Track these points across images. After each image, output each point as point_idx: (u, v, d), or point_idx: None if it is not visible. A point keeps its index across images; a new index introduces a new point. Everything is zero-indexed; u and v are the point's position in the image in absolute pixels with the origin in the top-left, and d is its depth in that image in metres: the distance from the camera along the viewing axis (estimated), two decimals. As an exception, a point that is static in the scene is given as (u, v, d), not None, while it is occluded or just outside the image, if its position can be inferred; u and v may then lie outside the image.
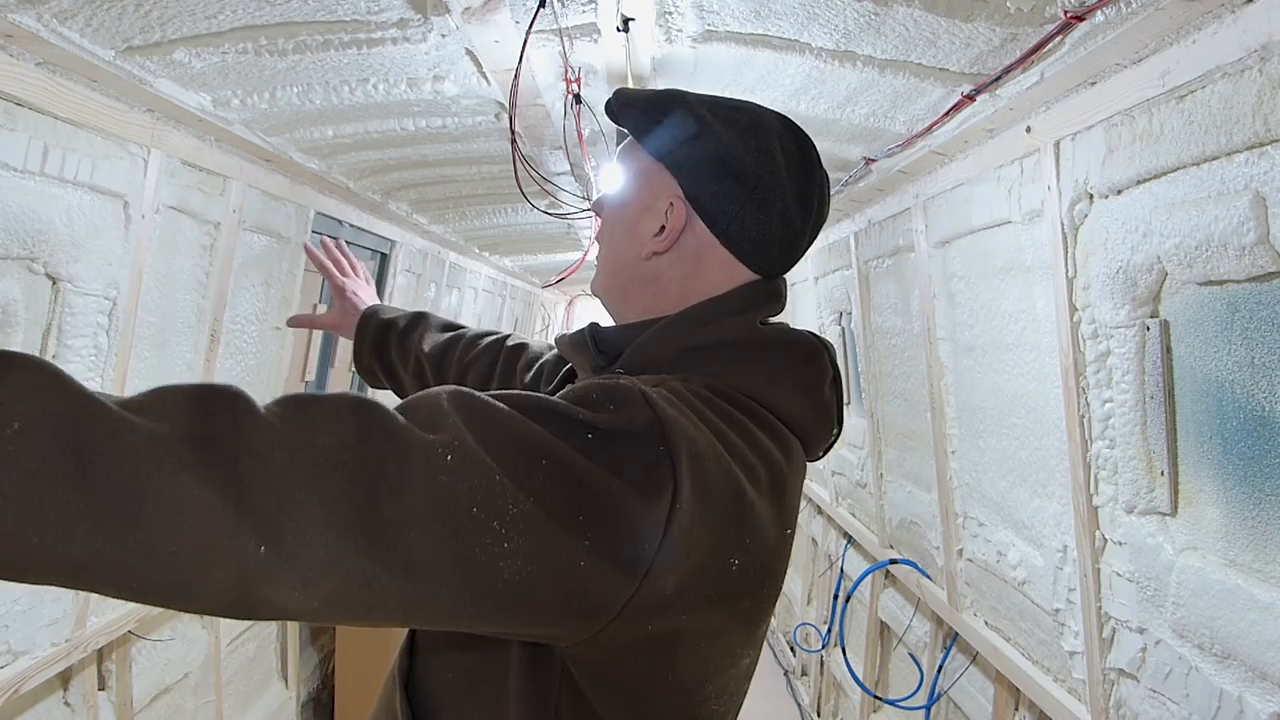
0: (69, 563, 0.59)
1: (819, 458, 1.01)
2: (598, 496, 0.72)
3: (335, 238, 1.71)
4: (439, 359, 1.49)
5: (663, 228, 0.96)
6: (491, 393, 0.78)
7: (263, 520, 0.62)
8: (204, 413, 0.65)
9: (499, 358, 1.44)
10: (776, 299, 0.99)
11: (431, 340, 1.52)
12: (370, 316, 1.59)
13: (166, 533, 0.60)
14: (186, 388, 0.67)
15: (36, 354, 0.83)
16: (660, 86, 2.09)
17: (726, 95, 1.03)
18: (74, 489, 0.58)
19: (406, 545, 0.67)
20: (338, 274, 1.67)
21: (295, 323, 1.74)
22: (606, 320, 1.05)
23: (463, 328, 1.57)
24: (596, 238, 1.08)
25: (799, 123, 1.02)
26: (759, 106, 1.01)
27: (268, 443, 0.65)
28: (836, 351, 1.04)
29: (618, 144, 1.21)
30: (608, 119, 1.06)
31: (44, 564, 0.59)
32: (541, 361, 1.36)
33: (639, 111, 1.01)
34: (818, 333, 1.29)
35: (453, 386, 0.77)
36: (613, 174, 1.08)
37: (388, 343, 1.55)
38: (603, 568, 0.72)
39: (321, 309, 1.68)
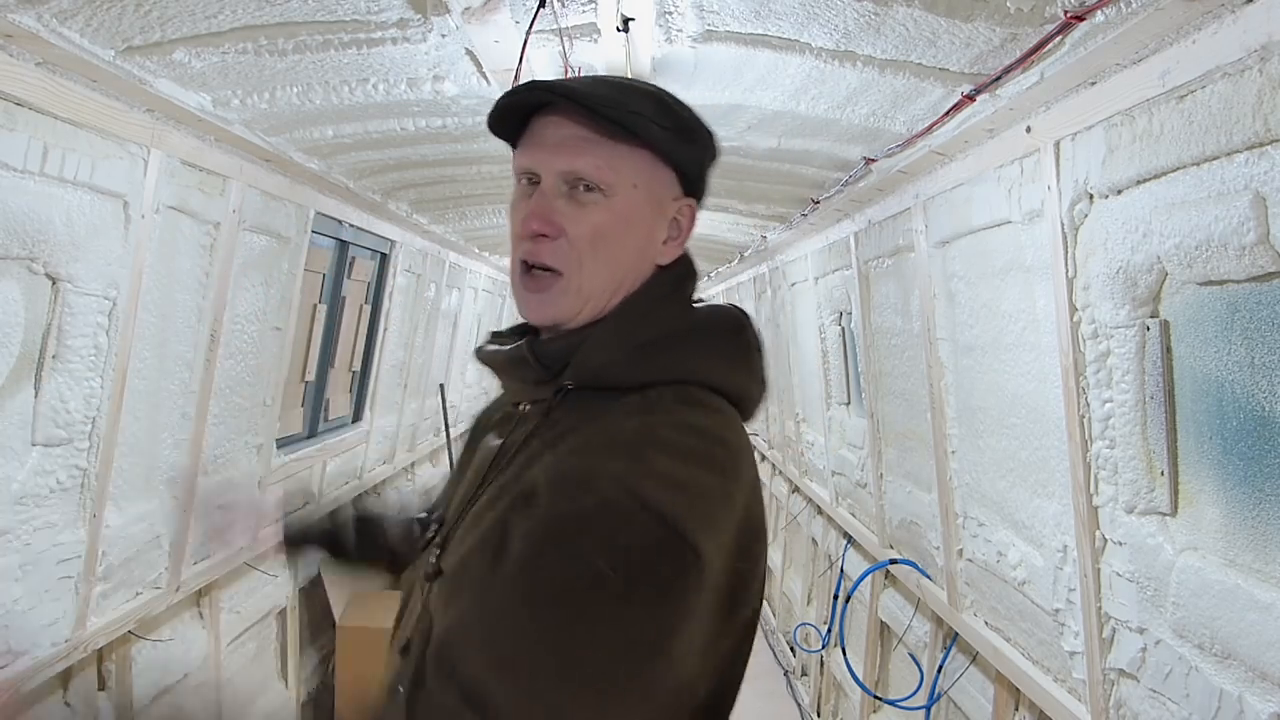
0: None
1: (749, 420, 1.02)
2: (662, 624, 0.76)
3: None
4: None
5: (672, 234, 0.95)
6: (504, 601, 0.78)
7: None
8: None
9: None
10: (693, 271, 0.99)
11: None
12: (306, 535, 1.35)
13: None
14: None
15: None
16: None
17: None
18: None
19: None
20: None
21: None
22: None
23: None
24: (556, 265, 0.91)
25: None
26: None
27: None
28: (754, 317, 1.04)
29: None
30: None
31: None
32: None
33: (658, 116, 0.92)
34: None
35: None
36: (604, 178, 0.89)
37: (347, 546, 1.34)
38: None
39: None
